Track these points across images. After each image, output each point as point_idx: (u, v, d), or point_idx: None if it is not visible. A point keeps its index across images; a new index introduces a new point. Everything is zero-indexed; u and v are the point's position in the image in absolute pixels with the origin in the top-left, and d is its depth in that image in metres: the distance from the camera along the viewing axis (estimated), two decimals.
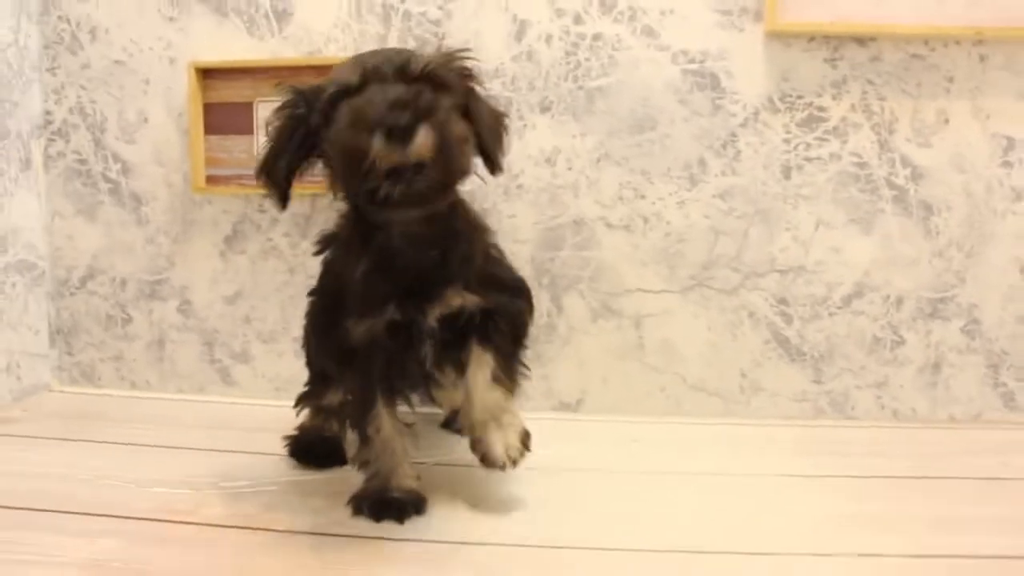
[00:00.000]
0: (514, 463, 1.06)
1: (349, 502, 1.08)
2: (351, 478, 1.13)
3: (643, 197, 1.51)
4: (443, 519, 1.07)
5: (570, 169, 1.52)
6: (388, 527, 1.03)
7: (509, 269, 1.19)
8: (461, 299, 1.06)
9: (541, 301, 1.54)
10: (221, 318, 1.66)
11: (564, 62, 1.51)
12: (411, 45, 1.52)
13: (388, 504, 1.06)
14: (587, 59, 1.50)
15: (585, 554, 0.98)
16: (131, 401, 1.65)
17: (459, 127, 0.95)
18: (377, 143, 0.88)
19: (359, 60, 0.98)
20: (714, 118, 1.50)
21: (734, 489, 1.19)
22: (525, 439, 1.09)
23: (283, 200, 1.05)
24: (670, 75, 1.50)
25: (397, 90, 0.91)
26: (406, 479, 1.10)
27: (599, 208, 1.52)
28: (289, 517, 1.07)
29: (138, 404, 1.62)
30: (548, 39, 1.51)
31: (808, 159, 1.49)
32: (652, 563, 0.95)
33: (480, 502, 1.13)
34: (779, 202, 1.49)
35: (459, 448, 1.35)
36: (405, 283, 1.04)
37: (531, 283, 1.52)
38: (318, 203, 1.57)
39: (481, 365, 1.09)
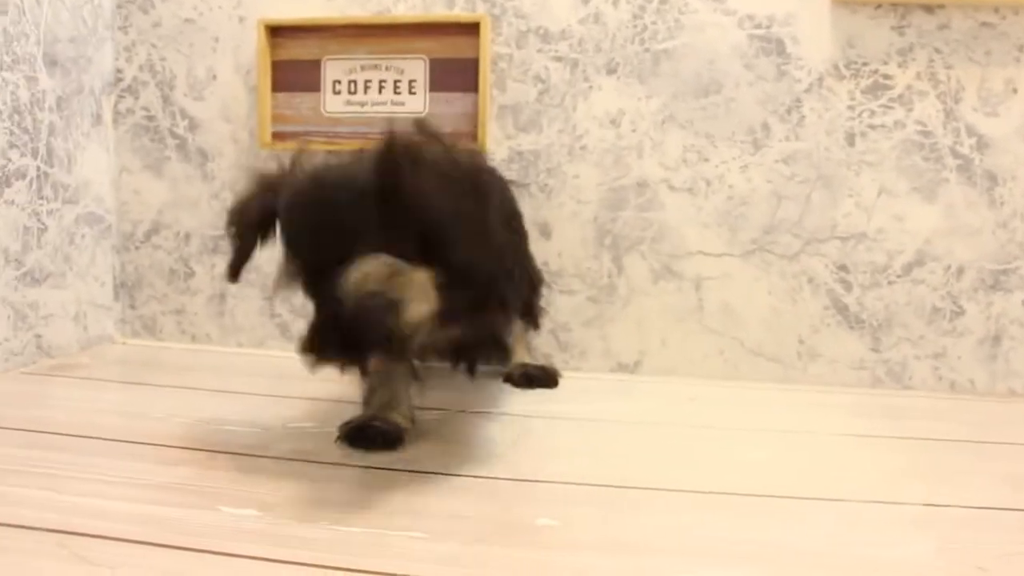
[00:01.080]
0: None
1: (338, 429, 1.13)
2: (424, 423, 1.17)
3: (706, 160, 1.52)
4: (511, 460, 1.09)
5: (634, 131, 1.53)
6: (460, 465, 1.05)
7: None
8: None
9: (603, 262, 1.56)
10: None
11: (631, 24, 1.52)
12: (479, 9, 1.54)
13: (364, 431, 1.11)
14: (653, 22, 1.51)
15: (651, 494, 0.99)
16: (192, 353, 1.68)
17: (415, 304, 0.91)
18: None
19: (299, 236, 0.98)
20: (779, 83, 1.50)
21: (793, 443, 1.20)
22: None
23: (235, 277, 1.12)
24: (736, 39, 1.50)
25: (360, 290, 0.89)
26: (397, 416, 1.13)
27: (662, 170, 1.53)
28: (360, 454, 1.09)
29: (199, 356, 1.66)
30: (615, 1, 1.52)
31: (872, 126, 1.49)
32: (719, 503, 0.96)
33: (540, 446, 1.15)
34: (842, 168, 1.50)
35: (524, 401, 1.38)
36: None
37: (593, 244, 1.56)
38: None
39: None
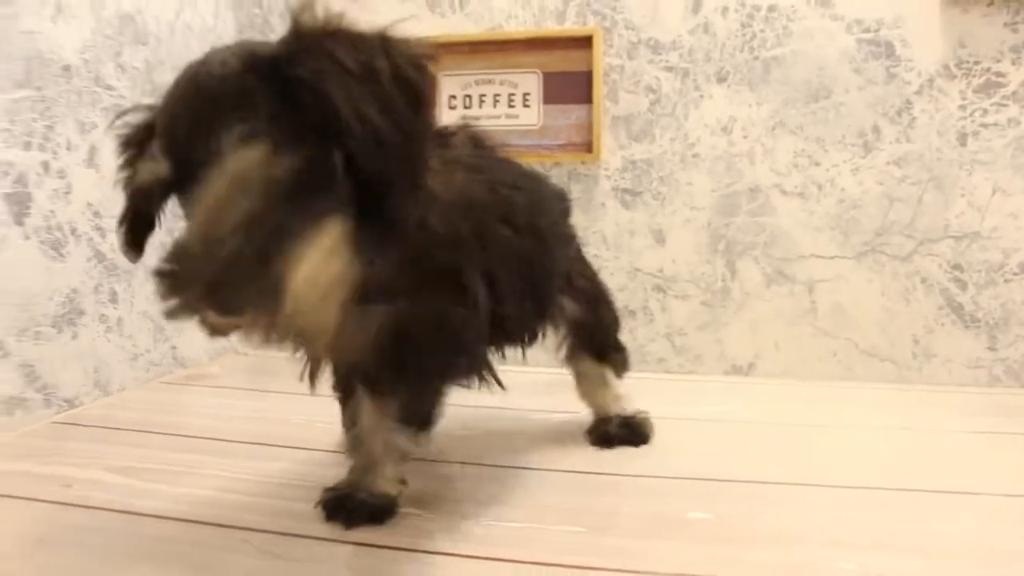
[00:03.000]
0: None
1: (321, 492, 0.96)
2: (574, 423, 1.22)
3: (817, 164, 1.54)
4: (649, 459, 1.12)
5: (746, 137, 1.56)
6: (601, 464, 1.09)
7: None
8: None
9: (716, 267, 1.58)
10: None
11: (740, 33, 1.55)
12: (590, 22, 1.59)
13: (342, 506, 0.92)
14: (762, 30, 1.54)
15: (791, 488, 1.01)
16: None
17: (311, 265, 0.63)
18: (205, 313, 0.63)
19: (167, 123, 0.67)
20: (888, 86, 1.51)
21: (918, 441, 1.21)
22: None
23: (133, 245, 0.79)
24: (845, 44, 1.52)
25: (218, 235, 0.62)
26: (381, 480, 0.94)
27: (774, 175, 1.56)
28: (508, 455, 1.13)
29: None
30: (724, 11, 1.55)
31: (985, 125, 1.49)
32: (859, 497, 0.98)
33: (673, 446, 1.18)
34: (954, 168, 1.50)
35: (644, 404, 1.41)
36: None
37: (707, 250, 1.58)
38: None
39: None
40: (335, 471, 1.03)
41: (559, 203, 1.13)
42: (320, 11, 0.67)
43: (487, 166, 0.91)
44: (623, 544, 0.86)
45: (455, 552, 0.84)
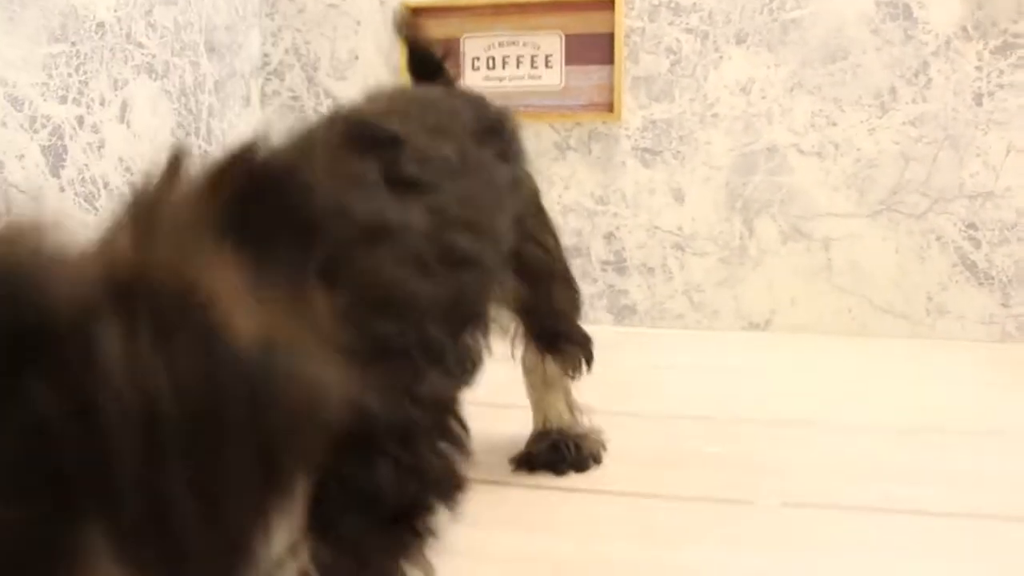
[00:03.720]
0: None
1: None
2: None
3: (834, 124, 1.57)
4: (667, 400, 1.16)
5: (764, 98, 1.59)
6: (622, 403, 1.12)
7: None
8: None
9: (734, 225, 1.61)
10: None
11: None
12: None
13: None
14: None
15: (805, 427, 1.06)
16: None
17: None
18: None
19: None
20: (905, 47, 1.54)
21: (934, 389, 1.25)
22: None
23: None
24: (863, 6, 1.54)
25: None
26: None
27: (791, 135, 1.58)
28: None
29: None
30: None
31: (1000, 86, 1.52)
32: (872, 435, 1.02)
33: (691, 391, 1.22)
34: (970, 128, 1.53)
35: (658, 351, 1.44)
36: None
37: (725, 208, 1.61)
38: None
39: None
40: None
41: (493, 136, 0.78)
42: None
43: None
44: (645, 473, 0.90)
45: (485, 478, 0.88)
